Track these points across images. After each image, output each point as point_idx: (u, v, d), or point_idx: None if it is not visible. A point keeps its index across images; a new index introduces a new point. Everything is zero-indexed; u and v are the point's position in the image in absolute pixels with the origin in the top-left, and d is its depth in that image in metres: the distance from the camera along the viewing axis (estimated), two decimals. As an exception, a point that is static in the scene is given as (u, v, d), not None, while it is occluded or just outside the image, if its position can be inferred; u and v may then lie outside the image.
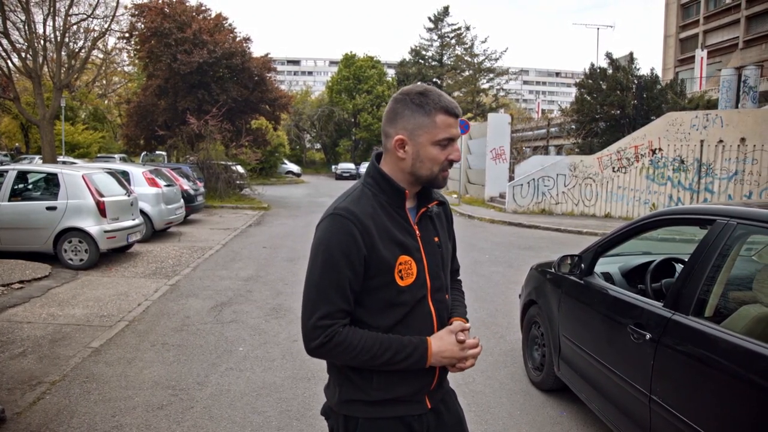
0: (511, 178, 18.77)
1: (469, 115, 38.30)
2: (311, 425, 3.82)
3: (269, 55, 24.70)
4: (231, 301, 6.96)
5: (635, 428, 2.91)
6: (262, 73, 23.46)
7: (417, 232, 1.67)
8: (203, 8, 23.50)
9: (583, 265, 3.62)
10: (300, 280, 8.15)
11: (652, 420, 2.74)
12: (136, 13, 22.43)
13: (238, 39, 23.17)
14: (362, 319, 1.63)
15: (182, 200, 13.04)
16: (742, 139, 16.03)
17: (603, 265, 3.76)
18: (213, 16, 23.57)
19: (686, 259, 2.84)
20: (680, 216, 3.08)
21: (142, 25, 21.95)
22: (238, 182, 22.04)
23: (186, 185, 14.47)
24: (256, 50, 31.53)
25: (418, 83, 1.91)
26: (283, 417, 3.94)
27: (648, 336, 2.74)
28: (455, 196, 22.22)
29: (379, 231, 1.59)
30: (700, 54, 32.11)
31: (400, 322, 1.63)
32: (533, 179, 18.19)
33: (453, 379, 4.52)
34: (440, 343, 1.63)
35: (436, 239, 1.72)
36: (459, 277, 1.99)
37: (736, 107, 20.66)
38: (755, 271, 2.68)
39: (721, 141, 16.30)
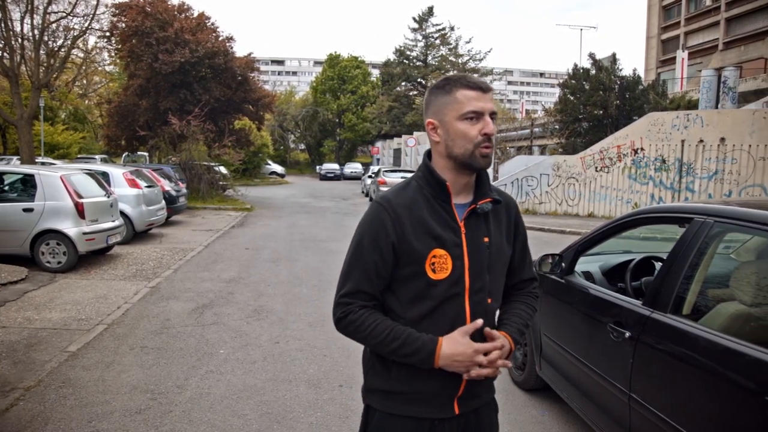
0: (495, 178, 18.82)
1: (454, 115, 38.26)
2: (292, 428, 3.78)
3: (252, 55, 24.57)
4: (212, 303, 6.89)
5: (615, 426, 2.91)
6: (246, 73, 23.33)
7: (462, 228, 1.63)
8: (185, 7, 23.31)
9: (563, 264, 3.61)
10: (282, 281, 8.15)
11: (631, 418, 2.74)
12: (117, 11, 22.17)
13: (220, 38, 23.02)
14: (392, 308, 1.64)
15: (164, 201, 12.90)
16: (722, 139, 16.24)
17: (584, 264, 3.76)
18: (195, 15, 23.39)
19: (665, 258, 2.85)
20: (658, 214, 3.09)
21: (123, 24, 21.71)
22: (220, 183, 21.87)
23: (167, 186, 14.32)
24: (240, 50, 31.53)
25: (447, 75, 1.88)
26: (263, 420, 3.89)
27: (627, 334, 2.74)
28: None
29: (413, 222, 1.59)
30: (682, 55, 32.51)
31: (428, 315, 1.60)
32: (517, 179, 18.27)
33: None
34: (452, 344, 1.55)
35: (486, 239, 1.65)
36: (533, 289, 1.86)
37: (716, 107, 20.94)
38: (732, 268, 2.69)
39: (701, 141, 16.50)
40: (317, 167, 50.10)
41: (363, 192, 28.41)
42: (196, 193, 19.64)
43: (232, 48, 23.01)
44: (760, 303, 2.42)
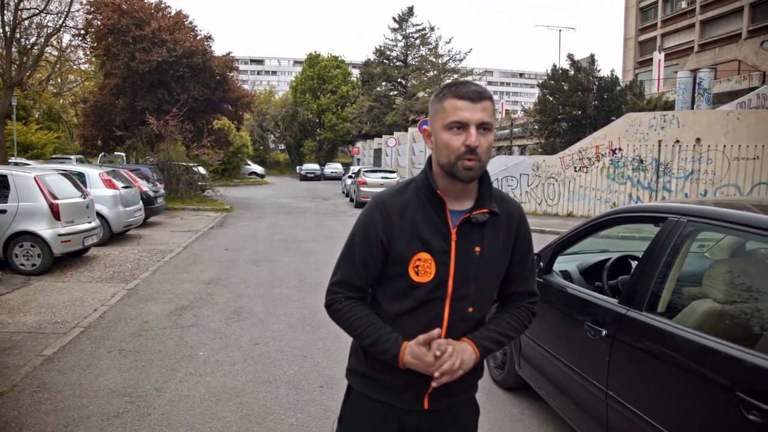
0: (475, 178, 18.91)
1: (434, 115, 38.41)
2: (272, 429, 3.76)
3: (231, 54, 24.40)
4: (191, 305, 6.82)
5: (593, 424, 2.95)
6: (224, 73, 23.15)
7: (453, 236, 1.62)
8: (163, 5, 23.07)
9: (541, 264, 3.65)
10: (262, 282, 8.10)
11: (608, 415, 2.78)
12: (92, 9, 21.82)
13: (199, 37, 22.83)
14: (379, 301, 1.74)
15: (141, 202, 12.74)
16: (698, 140, 16.54)
17: (562, 264, 3.80)
18: (173, 13, 23.14)
19: (641, 257, 2.89)
20: (634, 214, 3.14)
21: (99, 22, 21.38)
22: (199, 184, 21.67)
23: (145, 187, 14.16)
24: (218, 49, 31.29)
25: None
26: (243, 422, 3.86)
27: (604, 332, 2.78)
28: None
29: (402, 223, 1.63)
30: (658, 56, 33.02)
31: (407, 313, 1.67)
32: (497, 179, 18.38)
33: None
34: (411, 351, 1.60)
35: (477, 249, 1.64)
36: (529, 304, 1.81)
37: (692, 108, 21.29)
38: (705, 266, 2.74)
39: (677, 141, 16.78)
40: (297, 167, 49.91)
41: (343, 192, 28.35)
42: (175, 194, 19.43)
43: (210, 47, 22.83)
44: (733, 300, 2.47)
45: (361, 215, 1.73)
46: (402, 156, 33.35)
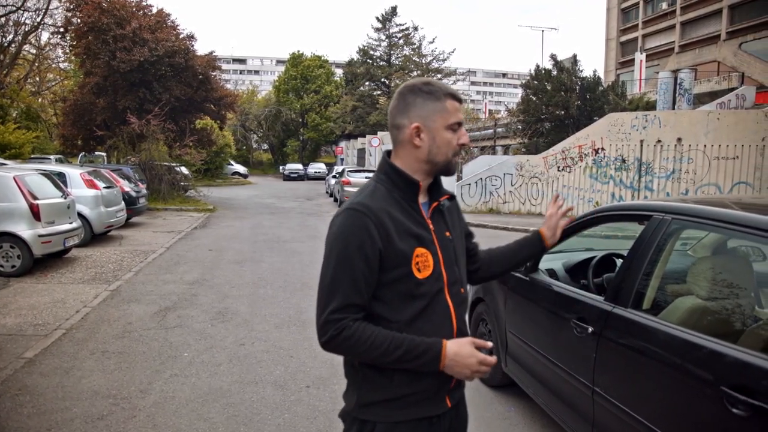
0: (459, 178, 19.00)
1: (418, 115, 38.54)
2: (259, 430, 3.75)
3: (214, 54, 24.22)
4: (175, 306, 6.76)
5: (580, 420, 2.98)
6: (207, 72, 22.98)
7: (430, 225, 1.69)
8: (144, 4, 22.81)
9: (527, 263, 3.67)
10: (247, 282, 8.05)
11: (595, 411, 2.80)
12: (72, 6, 21.51)
13: (181, 37, 22.61)
14: (381, 314, 1.62)
15: (123, 202, 12.59)
16: (679, 139, 16.77)
17: (548, 262, 3.83)
18: (154, 12, 22.89)
19: (626, 254, 2.92)
20: (619, 212, 3.18)
21: (78, 20, 21.08)
22: (182, 184, 21.47)
23: (127, 187, 14.00)
24: (201, 48, 31.06)
25: (421, 78, 1.89)
26: (230, 422, 3.84)
27: (590, 329, 2.81)
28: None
29: (395, 224, 1.61)
30: (640, 57, 33.39)
31: (419, 315, 1.62)
32: (481, 179, 18.48)
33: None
34: (458, 348, 1.59)
35: (448, 234, 1.73)
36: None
37: (673, 109, 21.59)
38: (689, 263, 2.78)
39: (659, 141, 16.99)
40: (281, 167, 49.69)
41: (327, 192, 28.29)
42: (157, 194, 19.24)
43: (192, 46, 22.63)
44: (716, 297, 2.51)
45: (346, 227, 1.60)
46: (386, 156, 33.29)
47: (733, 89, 23.24)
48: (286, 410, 4.04)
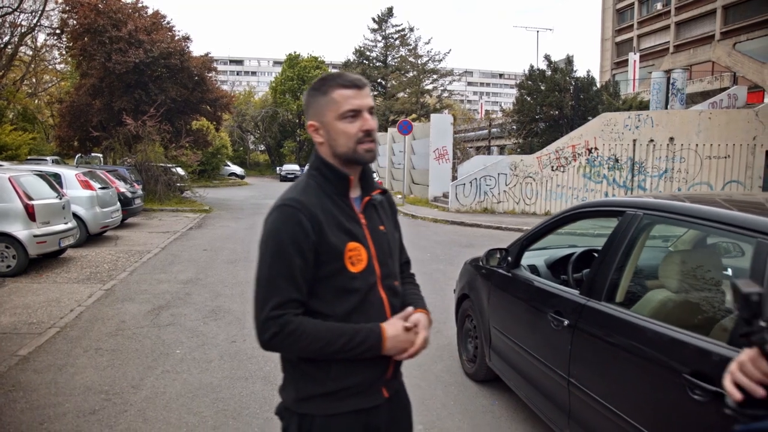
0: (454, 178, 19.09)
1: (414, 116, 38.67)
2: (248, 423, 3.82)
3: (210, 55, 24.25)
4: (169, 305, 6.83)
5: (557, 411, 3.06)
6: (203, 73, 23.01)
7: (363, 220, 1.70)
8: (140, 5, 22.83)
9: (509, 258, 3.76)
10: (240, 281, 8.12)
11: (571, 402, 2.89)
12: (68, 8, 21.54)
13: (177, 38, 22.64)
14: (317, 309, 1.64)
15: (119, 203, 12.66)
16: (671, 139, 16.89)
17: (530, 258, 3.92)
18: (150, 13, 22.93)
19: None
20: (595, 209, 3.26)
21: (74, 22, 21.11)
22: (178, 185, 21.53)
23: (123, 188, 14.06)
24: (197, 49, 30.97)
25: (323, 74, 1.89)
26: (219, 416, 3.92)
27: (566, 322, 2.89)
28: (400, 196, 22.41)
29: (327, 218, 1.62)
30: (633, 57, 33.56)
31: (354, 309, 1.64)
32: (475, 179, 18.56)
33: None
34: (392, 326, 1.63)
35: (382, 228, 1.74)
36: (411, 271, 1.98)
37: (666, 108, 21.72)
38: (661, 257, 2.87)
39: (652, 140, 17.11)
40: (277, 168, 49.70)
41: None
42: (153, 195, 19.30)
43: (188, 47, 22.66)
44: (685, 290, 2.59)
45: (278, 224, 1.61)
46: (382, 156, 33.45)
47: (725, 89, 23.40)
48: (275, 404, 4.09)
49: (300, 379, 1.68)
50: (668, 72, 22.92)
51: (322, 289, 1.63)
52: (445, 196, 19.89)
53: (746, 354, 1.11)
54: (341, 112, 1.62)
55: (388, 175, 31.10)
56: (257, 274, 1.63)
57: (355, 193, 1.73)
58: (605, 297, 2.73)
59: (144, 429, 3.74)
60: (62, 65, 34.18)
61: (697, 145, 16.65)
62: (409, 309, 1.69)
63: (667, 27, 38.85)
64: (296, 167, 47.33)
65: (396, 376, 1.77)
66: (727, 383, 1.12)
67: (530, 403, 3.48)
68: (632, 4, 42.71)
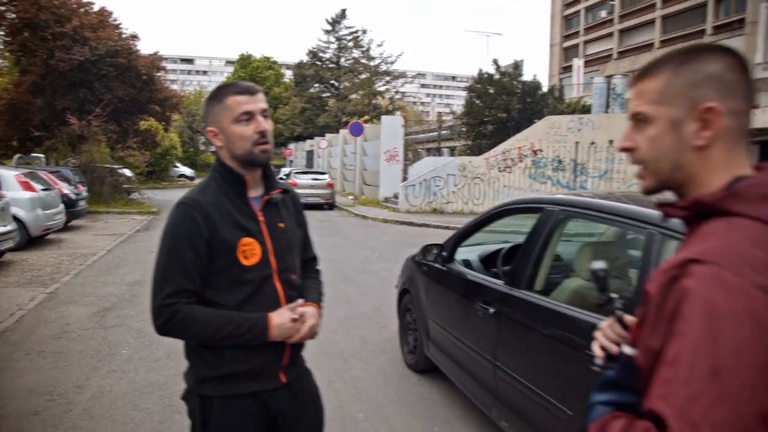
0: (404, 179, 19.39)
1: (366, 117, 38.93)
2: (193, 418, 3.91)
3: (159, 54, 23.85)
4: (115, 306, 6.79)
5: (486, 393, 3.30)
6: (151, 72, 22.61)
7: (261, 217, 1.83)
8: (85, 1, 22.23)
9: (444, 254, 3.99)
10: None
11: (497, 384, 3.13)
12: (6, 0, 20.77)
13: (124, 36, 22.19)
14: (212, 299, 1.76)
15: (62, 205, 12.35)
16: (611, 141, 17.63)
17: (464, 254, 4.16)
18: (96, 10, 22.37)
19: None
20: (518, 206, 3.53)
21: (13, 15, 20.38)
22: (125, 186, 21.07)
23: (66, 189, 13.70)
24: (146, 47, 30.41)
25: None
26: (165, 412, 3.99)
27: (492, 310, 3.13)
28: (351, 197, 22.59)
29: (221, 216, 1.75)
30: (578, 63, 34.68)
31: (247, 299, 1.77)
32: (425, 180, 18.91)
33: (334, 365, 4.73)
34: (278, 315, 1.76)
35: (282, 225, 1.88)
36: (318, 267, 2.13)
37: (606, 112, 22.60)
38: (575, 249, 3.14)
39: (593, 143, 17.83)
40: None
41: (276, 194, 28.22)
42: (98, 197, 18.83)
43: (136, 46, 22.26)
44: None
45: (175, 221, 1.76)
46: (334, 157, 33.54)
47: (662, 94, 24.46)
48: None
49: (198, 362, 1.81)
50: (609, 78, 23.88)
51: (217, 280, 1.76)
52: (396, 197, 20.17)
53: (606, 322, 1.33)
54: (236, 116, 1.75)
55: (340, 176, 31.19)
56: (155, 266, 1.77)
57: (255, 192, 1.86)
58: (526, 286, 2.97)
59: (89, 427, 3.78)
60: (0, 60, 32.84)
61: (635, 147, 17.43)
62: (299, 301, 1.82)
63: (611, 34, 40.32)
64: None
65: (294, 363, 1.90)
66: (594, 346, 1.34)
67: (463, 388, 3.71)
68: (579, 11, 44.14)
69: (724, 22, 30.83)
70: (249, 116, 1.76)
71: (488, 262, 4.11)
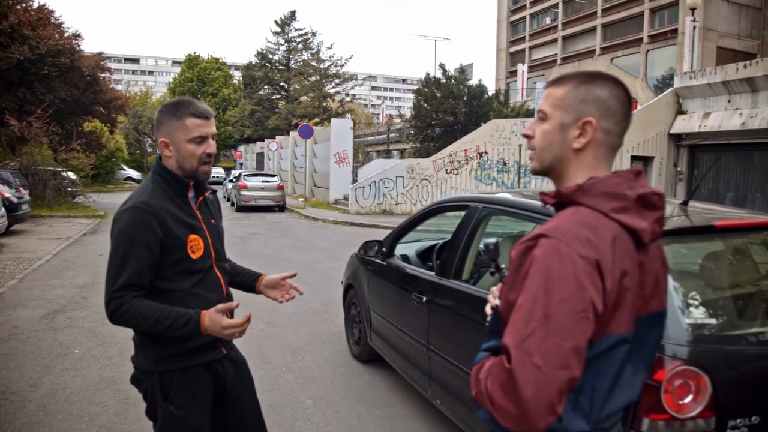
0: (354, 181, 19.71)
1: (316, 120, 39.05)
2: (148, 409, 4.11)
3: (103, 54, 23.40)
4: (65, 308, 6.84)
5: (421, 374, 3.65)
6: (95, 73, 22.18)
7: (199, 215, 2.13)
8: (23, -3, 21.57)
9: (384, 249, 4.34)
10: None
11: (430, 365, 3.48)
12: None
13: (66, 35, 21.65)
14: (166, 287, 2.03)
15: (3, 209, 12.11)
16: (551, 144, 18.43)
17: (402, 249, 4.52)
18: (36, 7, 21.74)
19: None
20: (449, 204, 3.91)
21: (-55, 11, 19.63)
22: (69, 189, 20.58)
23: (7, 193, 13.39)
24: (89, 45, 29.67)
25: (177, 97, 2.36)
26: (121, 405, 4.17)
27: (424, 299, 3.49)
28: (302, 199, 22.72)
29: (171, 217, 2.02)
30: (522, 68, 35.87)
31: (196, 285, 2.08)
32: (374, 181, 19.28)
33: (284, 358, 5.00)
34: (209, 319, 1.96)
35: (213, 221, 2.20)
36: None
37: (548, 116, 23.55)
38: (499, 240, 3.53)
39: (534, 145, 18.58)
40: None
41: (225, 197, 28.03)
42: (41, 201, 18.36)
43: (79, 46, 21.75)
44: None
45: (131, 223, 1.97)
46: (284, 160, 33.54)
47: (600, 99, 25.64)
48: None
49: (156, 344, 2.07)
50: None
51: (169, 272, 2.03)
52: (346, 198, 20.46)
53: (497, 285, 1.68)
54: (191, 137, 2.01)
55: (291, 178, 31.25)
56: (109, 261, 2.00)
57: (191, 193, 2.15)
58: (453, 276, 3.34)
59: (45, 421, 3.92)
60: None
61: (574, 149, 18.28)
62: (233, 304, 2.07)
63: (556, 40, 41.76)
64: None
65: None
66: (487, 306, 1.68)
67: (402, 372, 4.06)
68: (524, 17, 45.47)
69: (659, 31, 32.48)
70: (202, 139, 2.03)
71: (425, 256, 4.47)
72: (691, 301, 2.28)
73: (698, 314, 2.25)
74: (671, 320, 2.20)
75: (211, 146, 2.07)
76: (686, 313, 2.24)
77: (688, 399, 2.14)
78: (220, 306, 1.99)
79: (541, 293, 1.21)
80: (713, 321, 2.28)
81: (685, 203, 2.92)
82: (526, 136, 1.51)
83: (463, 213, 3.58)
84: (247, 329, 2.05)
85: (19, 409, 4.08)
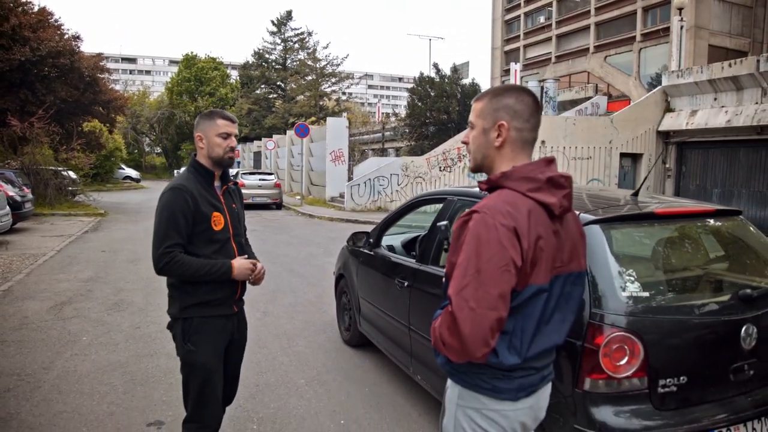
0: (350, 179, 20.04)
1: (313, 119, 39.37)
2: (154, 388, 4.46)
3: (102, 55, 23.69)
4: (71, 300, 7.18)
5: (404, 353, 4.01)
6: (94, 74, 22.45)
7: (222, 199, 2.75)
8: (23, 0, 21.86)
9: (371, 240, 4.69)
10: (142, 278, 8.60)
11: (411, 344, 3.83)
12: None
13: (66, 36, 21.93)
14: (194, 252, 2.64)
15: (8, 207, 12.43)
16: (543, 141, 18.79)
17: (389, 240, 4.87)
18: (36, 10, 22.02)
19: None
20: (428, 197, 4.27)
21: (-52, 13, 19.91)
22: (70, 188, 20.90)
23: (11, 191, 13.72)
24: (87, 45, 29.90)
25: (212, 108, 2.98)
26: (128, 384, 4.52)
27: (406, 284, 3.84)
28: (299, 197, 23.06)
29: (200, 197, 2.64)
30: (515, 67, 36.12)
31: (217, 251, 2.68)
32: (369, 179, 19.63)
33: (279, 343, 5.35)
34: (238, 263, 2.70)
35: (234, 205, 2.82)
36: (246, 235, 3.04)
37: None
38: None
39: (526, 143, 18.94)
40: (175, 171, 48.59)
41: (224, 195, 28.34)
42: (43, 199, 18.68)
43: (78, 47, 22.03)
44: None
45: (172, 199, 2.58)
46: (281, 158, 33.85)
47: (590, 98, 26.08)
48: (178, 373, 4.73)
49: (183, 295, 2.67)
50: (542, 81, 25.25)
51: (197, 240, 2.65)
52: (342, 196, 20.81)
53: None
54: (219, 132, 2.70)
55: (288, 176, 31.56)
56: (155, 229, 2.62)
57: (217, 182, 2.80)
58: (431, 262, 3.69)
59: (59, 399, 4.27)
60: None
61: (564, 147, 18.67)
62: (256, 261, 2.83)
63: (550, 39, 42.07)
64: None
65: (241, 297, 2.85)
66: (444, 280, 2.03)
67: (387, 353, 4.41)
68: (519, 16, 45.77)
69: (651, 30, 32.80)
70: (227, 135, 2.72)
71: (409, 246, 4.83)
72: (628, 277, 2.63)
73: (633, 288, 2.60)
74: (610, 293, 2.58)
75: (233, 142, 2.75)
76: (624, 288, 2.59)
77: (624, 361, 2.49)
78: (246, 258, 2.75)
79: (473, 254, 1.60)
80: (646, 294, 2.63)
81: (635, 194, 3.28)
82: (464, 143, 1.93)
83: (440, 205, 3.94)
84: (262, 276, 2.83)
85: (35, 389, 4.42)
